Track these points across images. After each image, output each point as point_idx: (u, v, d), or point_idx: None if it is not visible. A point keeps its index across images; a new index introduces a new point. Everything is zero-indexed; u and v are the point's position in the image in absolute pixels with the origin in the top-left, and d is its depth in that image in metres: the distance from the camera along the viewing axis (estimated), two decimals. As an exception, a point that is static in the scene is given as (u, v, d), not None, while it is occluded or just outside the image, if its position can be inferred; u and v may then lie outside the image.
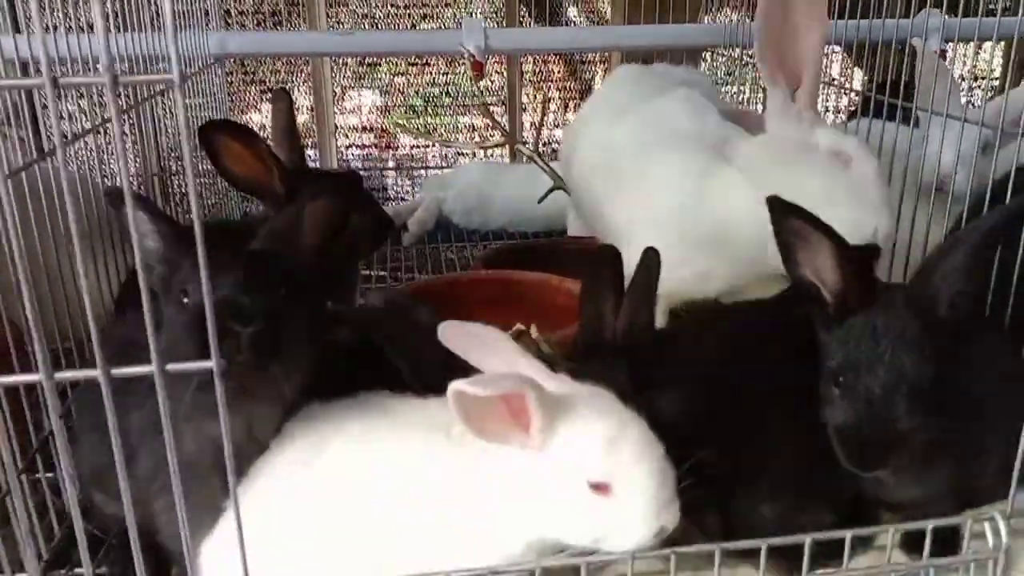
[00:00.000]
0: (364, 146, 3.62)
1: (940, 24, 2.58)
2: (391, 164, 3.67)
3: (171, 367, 0.85)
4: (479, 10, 3.51)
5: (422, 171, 3.57)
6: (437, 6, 3.51)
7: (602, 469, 0.95)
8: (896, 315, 1.08)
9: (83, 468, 1.18)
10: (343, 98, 3.61)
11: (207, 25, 2.57)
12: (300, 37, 2.82)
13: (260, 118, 3.53)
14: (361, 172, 3.60)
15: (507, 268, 2.14)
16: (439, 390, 1.12)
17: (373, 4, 3.44)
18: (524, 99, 3.63)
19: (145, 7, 2.24)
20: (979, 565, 1.08)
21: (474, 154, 3.38)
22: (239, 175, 1.63)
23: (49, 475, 1.31)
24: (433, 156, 3.67)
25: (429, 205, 2.89)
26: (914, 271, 1.19)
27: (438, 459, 1.02)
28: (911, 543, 1.17)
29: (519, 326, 1.46)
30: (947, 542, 1.13)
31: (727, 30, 2.65)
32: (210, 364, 0.86)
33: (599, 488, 0.95)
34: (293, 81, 3.54)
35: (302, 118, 3.62)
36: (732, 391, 1.16)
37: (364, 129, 3.64)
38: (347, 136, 3.61)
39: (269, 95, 3.55)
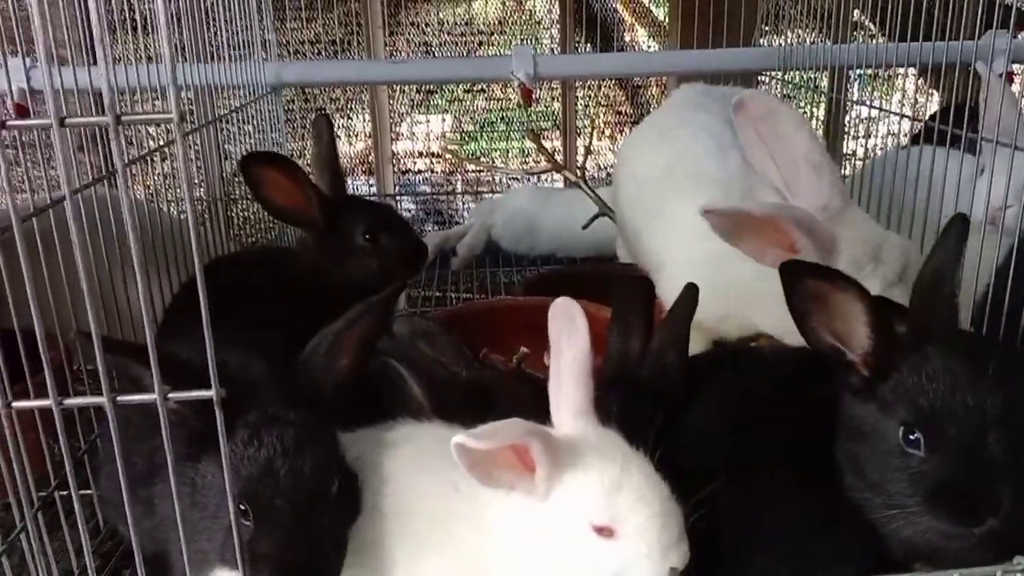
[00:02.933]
0: (420, 171, 3.67)
1: (1007, 45, 2.49)
2: (458, 188, 3.70)
3: (173, 396, 0.88)
4: (533, 36, 3.53)
5: (488, 195, 3.60)
6: (493, 34, 3.55)
7: (605, 512, 0.93)
8: (955, 352, 1.03)
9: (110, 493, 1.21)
10: (400, 124, 3.67)
11: (266, 56, 2.65)
12: (353, 66, 2.88)
13: (318, 144, 3.61)
14: (424, 196, 3.69)
15: (551, 294, 2.13)
16: (457, 417, 1.14)
17: (430, 32, 3.50)
18: (579, 124, 3.63)
19: (214, 36, 2.36)
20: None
21: (536, 178, 3.40)
22: (279, 205, 1.67)
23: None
24: (500, 181, 3.68)
25: (478, 230, 2.91)
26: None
27: (452, 501, 1.01)
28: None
29: (524, 350, 1.45)
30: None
31: (780, 54, 2.60)
32: (210, 394, 0.88)
33: (603, 531, 0.93)
34: (352, 108, 3.62)
35: (361, 144, 3.71)
36: (747, 445, 1.13)
37: (421, 155, 3.69)
38: (403, 161, 3.66)
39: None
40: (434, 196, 3.63)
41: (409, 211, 3.64)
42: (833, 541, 1.08)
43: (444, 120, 3.71)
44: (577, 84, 3.60)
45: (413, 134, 3.66)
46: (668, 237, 1.86)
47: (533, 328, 1.88)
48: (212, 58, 2.32)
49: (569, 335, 1.03)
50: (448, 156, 3.57)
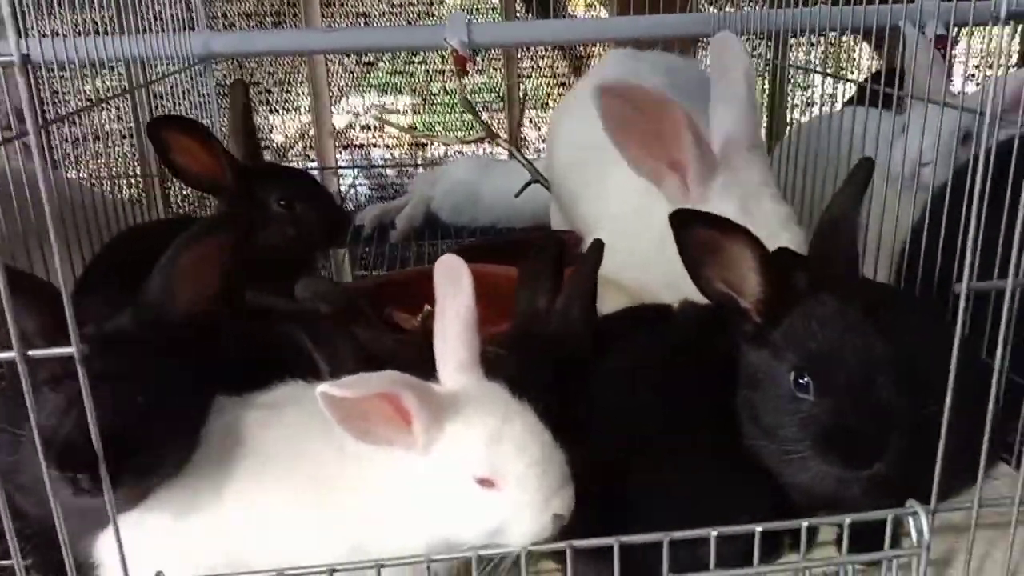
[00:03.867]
0: (360, 146, 3.62)
1: (935, 8, 2.50)
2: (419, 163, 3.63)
3: (32, 353, 0.84)
4: (474, 8, 3.49)
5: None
6: (433, 4, 3.50)
7: (485, 464, 0.93)
8: (847, 298, 1.03)
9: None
10: (340, 99, 3.62)
11: (193, 27, 2.59)
12: (283, 35, 2.82)
13: (258, 120, 3.54)
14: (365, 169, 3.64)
15: (483, 263, 2.11)
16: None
17: (368, 3, 3.44)
18: (523, 96, 3.60)
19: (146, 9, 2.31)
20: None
21: (479, 148, 3.37)
22: (191, 172, 1.63)
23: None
24: (453, 154, 3.63)
25: (417, 202, 2.88)
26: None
27: (335, 463, 0.99)
28: (854, 539, 1.12)
29: (428, 308, 1.43)
30: (893, 537, 1.08)
31: (715, 19, 2.59)
32: (71, 350, 0.85)
33: (485, 483, 0.93)
34: (291, 82, 3.56)
35: (302, 119, 3.65)
36: (649, 401, 1.13)
37: (364, 128, 3.64)
38: (344, 135, 3.61)
39: (266, 96, 3.58)
40: (376, 169, 3.59)
41: (363, 186, 3.60)
42: (728, 491, 1.08)
43: (384, 94, 3.65)
44: (520, 55, 3.56)
45: (353, 108, 3.61)
46: (602, 202, 1.85)
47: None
48: (139, 30, 2.27)
49: (454, 292, 1.02)
50: (385, 127, 3.52)
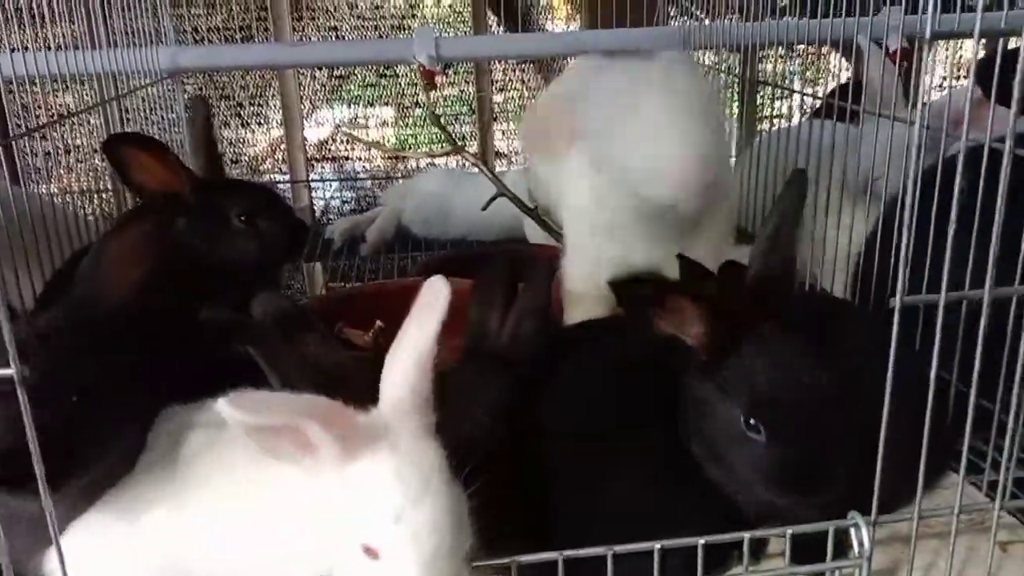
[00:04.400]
0: (333, 158, 3.62)
1: (900, 22, 2.53)
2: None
3: (-33, 373, 0.84)
4: (446, 21, 3.50)
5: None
6: (404, 18, 3.51)
7: (375, 537, 0.85)
8: (791, 330, 1.05)
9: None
10: (313, 112, 3.62)
11: (160, 41, 2.58)
12: (252, 50, 2.81)
13: (230, 134, 3.55)
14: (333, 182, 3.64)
15: (451, 276, 2.12)
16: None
17: (339, 17, 3.45)
18: (496, 109, 3.62)
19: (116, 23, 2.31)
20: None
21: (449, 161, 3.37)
22: (149, 188, 1.63)
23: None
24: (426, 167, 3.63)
25: (388, 215, 2.88)
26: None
27: (257, 472, 0.99)
28: (799, 551, 1.13)
29: (379, 324, 1.44)
30: (838, 548, 1.09)
31: (681, 33, 2.62)
32: (10, 372, 0.85)
33: (370, 551, 0.86)
34: (263, 96, 3.56)
35: (274, 132, 3.65)
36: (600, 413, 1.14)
37: (336, 142, 3.64)
38: (325, 147, 3.61)
39: (238, 110, 3.58)
40: (348, 182, 3.59)
41: (347, 201, 3.60)
42: (677, 505, 1.08)
43: (355, 107, 3.65)
44: (491, 68, 3.58)
45: (324, 121, 3.61)
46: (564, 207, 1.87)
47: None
48: (105, 45, 2.27)
49: (424, 321, 0.96)
50: (353, 141, 3.52)
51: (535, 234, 2.49)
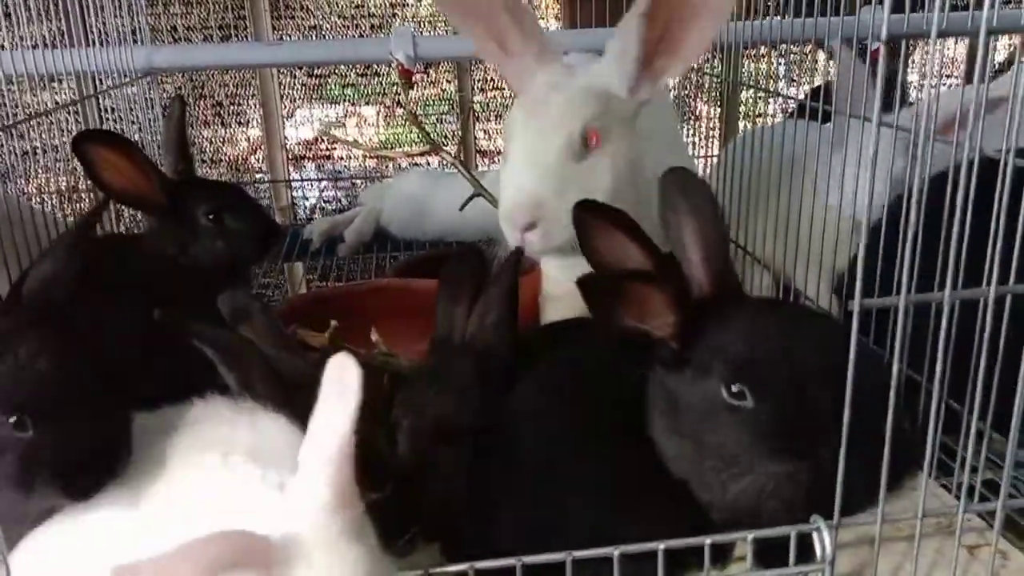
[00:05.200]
0: (314, 157, 3.60)
1: (881, 21, 2.52)
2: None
3: None
4: (427, 20, 3.49)
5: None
6: (387, 17, 3.50)
7: None
8: (763, 305, 1.05)
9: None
10: (294, 111, 3.60)
11: (135, 40, 2.56)
12: (228, 49, 2.79)
13: (210, 133, 3.52)
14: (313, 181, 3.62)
15: (423, 277, 2.11)
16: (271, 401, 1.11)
17: (320, 16, 3.43)
18: (477, 106, 3.60)
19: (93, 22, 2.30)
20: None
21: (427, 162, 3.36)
22: (118, 187, 1.61)
23: None
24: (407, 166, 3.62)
25: (367, 215, 2.86)
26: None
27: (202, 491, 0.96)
28: (764, 556, 1.12)
29: (334, 323, 1.43)
30: (807, 552, 1.08)
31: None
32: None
33: None
34: (243, 95, 3.53)
35: (254, 132, 3.62)
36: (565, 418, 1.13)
37: (319, 142, 3.62)
38: (303, 149, 3.59)
39: (218, 109, 3.56)
40: (330, 181, 3.57)
41: (329, 201, 3.59)
42: (642, 512, 1.07)
43: (336, 106, 3.63)
44: (473, 68, 3.56)
45: (304, 120, 3.59)
46: None
47: (397, 311, 1.87)
48: (87, 44, 2.26)
49: (336, 405, 0.81)
50: (330, 140, 3.50)
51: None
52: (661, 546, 0.96)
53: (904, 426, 1.26)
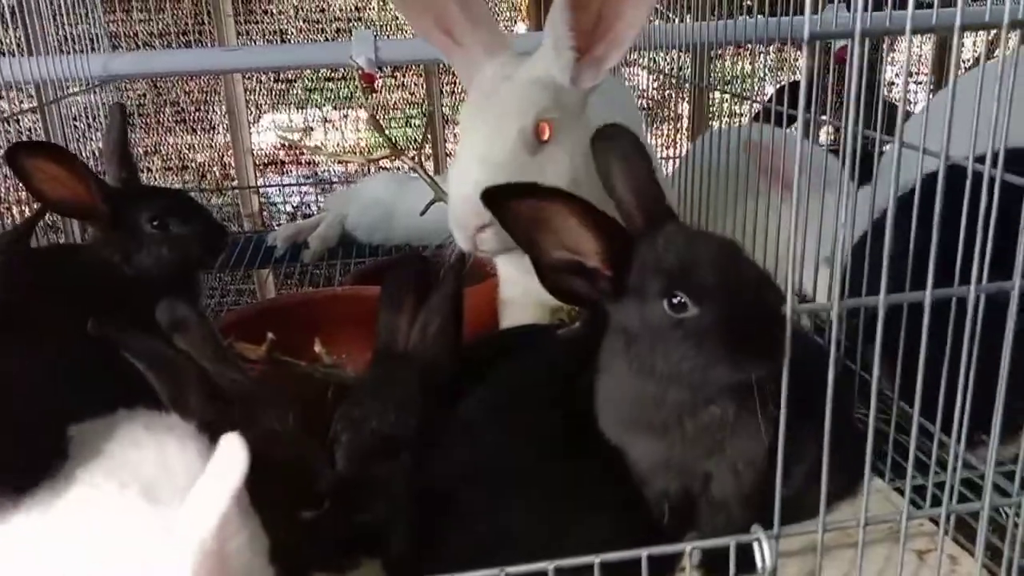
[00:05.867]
0: (283, 163, 3.56)
1: (847, 19, 2.51)
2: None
3: None
4: (393, 24, 3.46)
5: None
6: (351, 21, 3.46)
7: None
8: (688, 227, 1.02)
9: None
10: (259, 118, 3.56)
11: (94, 48, 2.52)
12: (187, 55, 2.75)
13: (174, 139, 3.48)
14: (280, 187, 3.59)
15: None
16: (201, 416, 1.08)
17: (284, 20, 3.39)
18: (446, 109, 3.57)
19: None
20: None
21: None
22: (56, 198, 1.56)
23: None
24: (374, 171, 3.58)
25: (332, 221, 2.83)
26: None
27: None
28: (708, 565, 1.10)
29: (271, 336, 1.40)
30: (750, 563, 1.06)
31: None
32: None
33: None
34: (209, 101, 3.49)
35: (219, 138, 3.58)
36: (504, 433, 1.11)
37: (282, 147, 3.58)
38: (264, 155, 3.55)
39: (183, 115, 3.51)
40: (296, 187, 3.53)
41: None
42: (579, 524, 1.05)
43: (302, 111, 3.59)
44: (441, 71, 3.53)
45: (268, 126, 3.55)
46: None
47: (351, 319, 1.84)
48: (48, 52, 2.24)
49: (217, 483, 0.78)
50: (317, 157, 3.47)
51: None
52: (597, 559, 0.93)
53: (858, 426, 1.25)
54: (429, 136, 3.33)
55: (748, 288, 0.95)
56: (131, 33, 3.34)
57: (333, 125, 3.62)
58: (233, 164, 3.40)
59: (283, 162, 3.57)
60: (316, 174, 3.65)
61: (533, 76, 1.39)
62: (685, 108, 3.47)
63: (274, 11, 3.37)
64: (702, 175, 1.86)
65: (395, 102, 3.55)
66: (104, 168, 1.75)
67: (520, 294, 1.76)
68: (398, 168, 3.51)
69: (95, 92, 2.50)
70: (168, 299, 1.28)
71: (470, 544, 1.03)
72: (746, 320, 0.94)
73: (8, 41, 2.27)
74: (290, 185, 3.52)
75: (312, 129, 3.60)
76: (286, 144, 3.46)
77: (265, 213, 3.44)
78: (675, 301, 0.95)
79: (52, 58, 2.26)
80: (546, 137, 1.36)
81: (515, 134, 1.33)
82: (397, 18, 3.50)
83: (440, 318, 1.22)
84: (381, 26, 3.48)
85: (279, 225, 3.25)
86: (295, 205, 3.55)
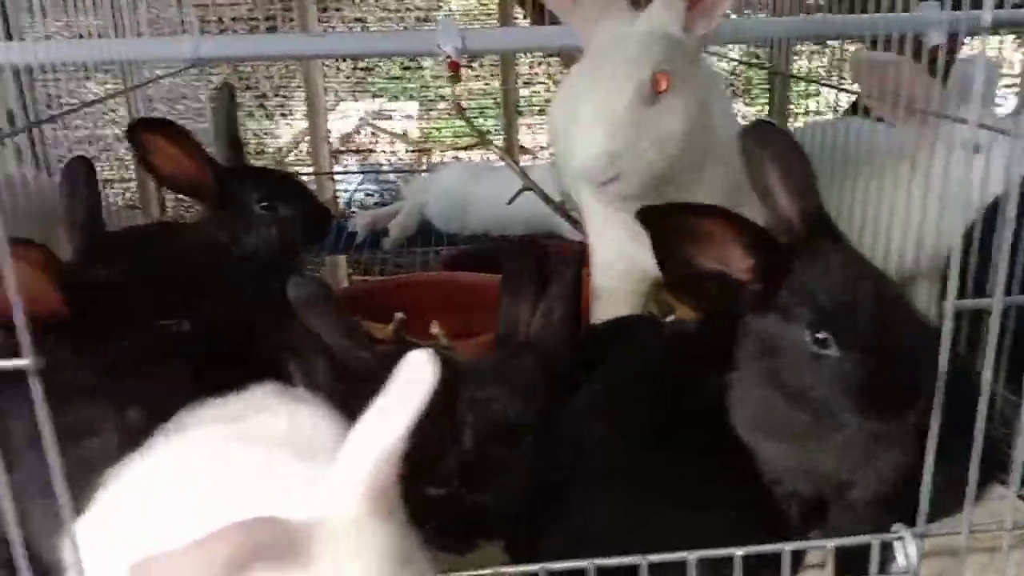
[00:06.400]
0: (357, 151, 3.59)
1: (941, 17, 2.46)
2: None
3: (-22, 364, 0.81)
4: (472, 11, 3.47)
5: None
6: (431, 10, 3.48)
7: None
8: (846, 248, 0.98)
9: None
10: (337, 104, 3.59)
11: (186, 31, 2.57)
12: (276, 40, 2.79)
13: (255, 124, 3.53)
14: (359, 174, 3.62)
15: (470, 271, 2.09)
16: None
17: (365, 8, 3.42)
18: (521, 101, 3.57)
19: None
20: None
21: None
22: (169, 174, 1.60)
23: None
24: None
25: (410, 209, 2.85)
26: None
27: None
28: (841, 563, 1.08)
29: (400, 315, 1.41)
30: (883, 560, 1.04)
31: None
32: (24, 363, 0.81)
33: None
34: (288, 87, 3.54)
35: (298, 124, 3.63)
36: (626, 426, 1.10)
37: (360, 135, 3.62)
38: (341, 142, 3.59)
39: (263, 101, 3.56)
40: (372, 174, 3.56)
41: (371, 194, 3.59)
42: (709, 517, 1.04)
43: (378, 99, 3.62)
44: (517, 62, 3.53)
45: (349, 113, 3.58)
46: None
47: (445, 304, 1.85)
48: (135, 34, 2.27)
49: (404, 400, 0.77)
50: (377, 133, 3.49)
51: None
52: (739, 552, 0.92)
53: (995, 432, 1.22)
54: (505, 126, 3.34)
55: (896, 340, 0.94)
56: (212, 18, 3.39)
57: (409, 115, 3.64)
58: (309, 150, 3.44)
59: (356, 151, 3.59)
60: (390, 163, 3.67)
61: (647, 29, 1.41)
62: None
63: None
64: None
65: (470, 93, 3.56)
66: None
67: (615, 281, 1.74)
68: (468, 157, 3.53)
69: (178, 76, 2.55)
70: (299, 276, 1.30)
71: (575, 535, 1.02)
72: (889, 375, 0.93)
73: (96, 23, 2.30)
74: (371, 172, 3.55)
75: (390, 117, 3.62)
76: (364, 132, 3.48)
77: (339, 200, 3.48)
78: (820, 337, 0.94)
79: (144, 40, 2.30)
80: (663, 88, 1.37)
81: (633, 87, 1.34)
82: (476, 8, 3.51)
83: (563, 307, 1.22)
84: (459, 16, 3.49)
85: (352, 213, 3.28)
86: (355, 195, 3.57)
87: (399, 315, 1.40)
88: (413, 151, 3.60)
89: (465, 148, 2.74)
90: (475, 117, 3.57)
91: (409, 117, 3.68)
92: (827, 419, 0.99)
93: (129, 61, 2.27)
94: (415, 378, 0.78)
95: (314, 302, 1.22)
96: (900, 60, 1.74)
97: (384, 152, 3.75)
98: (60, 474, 0.84)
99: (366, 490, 0.75)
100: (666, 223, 0.97)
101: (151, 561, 0.68)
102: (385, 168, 3.67)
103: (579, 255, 1.28)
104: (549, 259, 1.31)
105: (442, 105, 3.64)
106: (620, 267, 1.67)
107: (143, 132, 1.56)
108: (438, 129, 3.69)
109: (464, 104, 3.59)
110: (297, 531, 0.72)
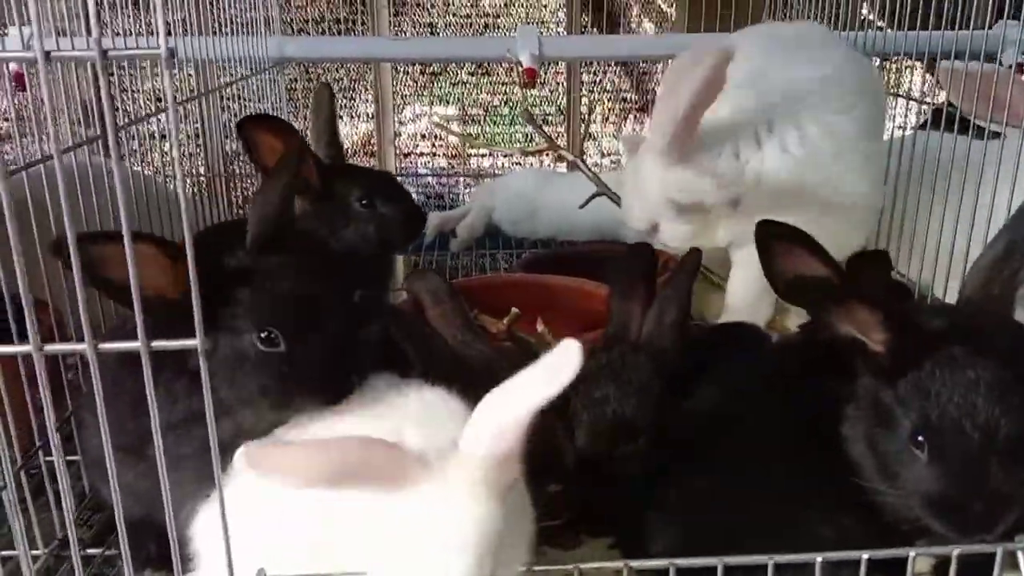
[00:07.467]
0: (422, 154, 3.64)
1: (1018, 35, 2.45)
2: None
3: (156, 344, 0.85)
4: (539, 20, 3.50)
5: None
6: (499, 16, 3.52)
7: None
8: (988, 364, 0.97)
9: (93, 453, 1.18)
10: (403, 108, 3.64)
11: (269, 32, 2.63)
12: (356, 43, 2.85)
13: (322, 124, 3.58)
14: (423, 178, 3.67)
15: (548, 273, 2.11)
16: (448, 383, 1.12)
17: (435, 13, 3.47)
18: (583, 111, 3.60)
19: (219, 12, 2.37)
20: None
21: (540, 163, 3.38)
22: (274, 169, 1.64)
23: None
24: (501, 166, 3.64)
25: (478, 212, 2.88)
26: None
27: None
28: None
29: (515, 310, 1.43)
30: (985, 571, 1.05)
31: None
32: (194, 343, 0.85)
33: None
34: (356, 88, 3.59)
35: (364, 126, 3.68)
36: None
37: (423, 137, 3.66)
38: (406, 144, 3.64)
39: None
40: (435, 177, 3.60)
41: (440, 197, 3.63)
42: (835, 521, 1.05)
43: (446, 104, 3.67)
44: (582, 70, 3.56)
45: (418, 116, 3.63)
46: None
47: (527, 305, 1.87)
48: (216, 33, 2.32)
49: (551, 380, 0.81)
50: (445, 133, 3.53)
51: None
52: (864, 555, 0.94)
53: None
54: (574, 132, 3.37)
55: (990, 462, 0.95)
56: (287, 20, 3.45)
57: (474, 120, 3.69)
58: (376, 152, 3.50)
59: (422, 154, 3.64)
60: (453, 166, 3.71)
61: None
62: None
63: (426, 4, 3.45)
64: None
65: (533, 100, 3.59)
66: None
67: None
68: (529, 163, 3.56)
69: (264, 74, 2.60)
70: (420, 270, 1.33)
71: (722, 529, 1.04)
72: (964, 504, 0.96)
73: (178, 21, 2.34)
74: (433, 175, 3.59)
75: (460, 119, 3.66)
76: (437, 130, 3.52)
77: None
78: (919, 439, 0.98)
79: (231, 38, 2.36)
80: None
81: None
82: (544, 14, 3.55)
83: (676, 310, 1.24)
84: (528, 22, 3.52)
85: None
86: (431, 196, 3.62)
87: (515, 310, 1.42)
88: (465, 157, 3.63)
89: (534, 152, 2.75)
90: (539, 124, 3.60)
91: (473, 121, 3.71)
92: (903, 502, 1.02)
93: (217, 59, 2.32)
94: (562, 362, 0.82)
95: (436, 294, 1.25)
96: (997, 69, 1.75)
97: (437, 156, 3.79)
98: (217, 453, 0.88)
99: (486, 454, 0.80)
100: (819, 298, 1.04)
101: (269, 447, 0.72)
102: (448, 171, 3.71)
103: (695, 262, 1.29)
104: (656, 262, 1.33)
105: (506, 110, 3.67)
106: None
107: (252, 128, 1.60)
108: (502, 135, 3.72)
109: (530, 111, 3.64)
110: (413, 464, 0.79)
